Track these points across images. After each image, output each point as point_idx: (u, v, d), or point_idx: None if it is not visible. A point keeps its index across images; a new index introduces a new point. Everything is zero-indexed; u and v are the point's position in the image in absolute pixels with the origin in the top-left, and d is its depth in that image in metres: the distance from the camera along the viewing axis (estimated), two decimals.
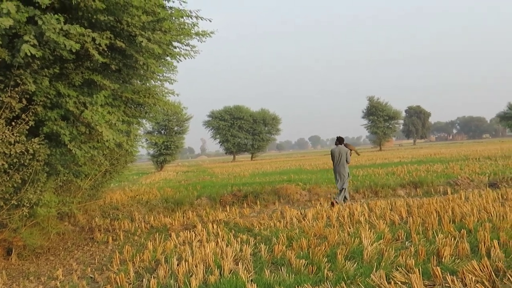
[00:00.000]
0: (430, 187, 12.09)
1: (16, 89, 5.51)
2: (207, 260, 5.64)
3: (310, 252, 5.61)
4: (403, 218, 7.78)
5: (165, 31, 6.83)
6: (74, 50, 5.24)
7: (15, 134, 5.54)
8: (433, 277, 4.43)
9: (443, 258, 4.99)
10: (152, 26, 6.58)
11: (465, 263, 4.70)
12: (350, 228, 7.07)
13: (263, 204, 11.67)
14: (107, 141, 6.14)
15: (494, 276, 4.24)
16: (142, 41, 6.09)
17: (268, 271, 5.02)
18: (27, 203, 6.18)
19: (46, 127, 6.03)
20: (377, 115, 68.85)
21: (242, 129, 63.64)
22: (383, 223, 7.17)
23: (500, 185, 11.51)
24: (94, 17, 5.85)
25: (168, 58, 8.06)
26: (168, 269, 5.53)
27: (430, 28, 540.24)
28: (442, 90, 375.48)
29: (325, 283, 4.57)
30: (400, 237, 6.24)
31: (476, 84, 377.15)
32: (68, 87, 6.24)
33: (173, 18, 7.23)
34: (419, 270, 4.41)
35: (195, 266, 5.34)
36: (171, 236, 7.83)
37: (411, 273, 4.42)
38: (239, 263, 5.42)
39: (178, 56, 7.85)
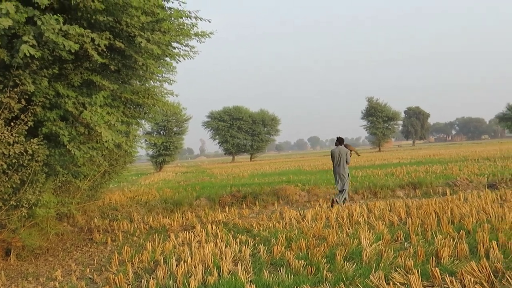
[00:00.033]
0: (429, 188, 12.10)
1: (15, 89, 5.50)
2: (206, 261, 5.64)
3: (309, 253, 5.61)
4: (402, 219, 7.78)
5: (164, 32, 6.84)
6: (73, 51, 5.24)
7: (14, 135, 5.53)
8: (432, 278, 4.44)
9: (442, 259, 4.99)
10: (151, 27, 6.58)
11: (464, 264, 4.71)
12: (349, 229, 7.07)
13: (262, 205, 11.67)
14: (106, 141, 6.14)
15: (493, 277, 4.25)
16: (141, 42, 6.09)
17: (267, 272, 5.02)
18: (26, 204, 6.18)
19: (45, 127, 6.02)
20: (376, 116, 68.92)
21: (241, 130, 63.61)
22: (382, 224, 7.17)
23: (499, 186, 11.53)
24: (93, 17, 5.85)
25: (167, 59, 8.06)
26: (167, 270, 5.52)
27: (429, 28, 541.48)
28: (441, 91, 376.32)
29: (324, 284, 4.57)
30: (399, 238, 6.24)
31: (475, 85, 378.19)
32: (67, 87, 6.23)
33: (172, 19, 7.23)
34: (418, 271, 4.42)
35: (194, 267, 5.34)
36: (170, 236, 7.83)
37: (410, 274, 4.43)
38: (238, 264, 5.41)
39: (177, 57, 7.85)
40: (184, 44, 7.89)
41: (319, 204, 10.65)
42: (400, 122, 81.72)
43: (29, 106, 5.72)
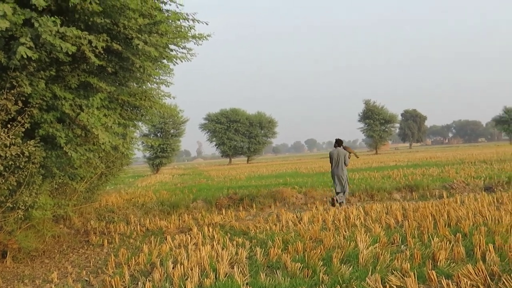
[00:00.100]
0: (426, 191, 12.12)
1: (12, 91, 5.49)
2: (202, 264, 5.63)
3: (306, 256, 5.61)
4: (399, 221, 7.79)
5: (161, 34, 6.84)
6: (70, 53, 5.24)
7: (10, 137, 5.52)
8: (428, 281, 4.45)
9: (439, 262, 5.00)
10: (149, 29, 6.59)
11: (460, 267, 4.72)
12: (345, 232, 7.08)
13: (259, 207, 11.67)
14: (103, 143, 6.12)
15: (489, 280, 4.26)
16: (138, 44, 6.09)
17: (264, 274, 5.02)
18: (22, 206, 6.15)
19: (42, 129, 6.01)
20: (373, 118, 69.16)
21: (238, 132, 63.61)
22: (379, 227, 7.18)
23: (495, 189, 11.57)
24: (91, 19, 5.84)
25: (165, 61, 8.06)
26: (164, 272, 5.51)
27: (427, 32, 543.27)
28: (438, 94, 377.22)
29: (320, 286, 4.57)
30: (395, 241, 6.25)
31: (472, 88, 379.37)
32: (64, 89, 6.22)
33: (170, 21, 7.23)
34: (414, 274, 4.43)
35: (191, 270, 5.33)
36: (166, 239, 7.82)
37: (406, 276, 4.44)
38: (235, 267, 5.41)
39: (174, 59, 7.86)
40: (182, 46, 7.89)
41: (316, 207, 10.66)
42: (397, 125, 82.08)
43: (26, 108, 5.70)
